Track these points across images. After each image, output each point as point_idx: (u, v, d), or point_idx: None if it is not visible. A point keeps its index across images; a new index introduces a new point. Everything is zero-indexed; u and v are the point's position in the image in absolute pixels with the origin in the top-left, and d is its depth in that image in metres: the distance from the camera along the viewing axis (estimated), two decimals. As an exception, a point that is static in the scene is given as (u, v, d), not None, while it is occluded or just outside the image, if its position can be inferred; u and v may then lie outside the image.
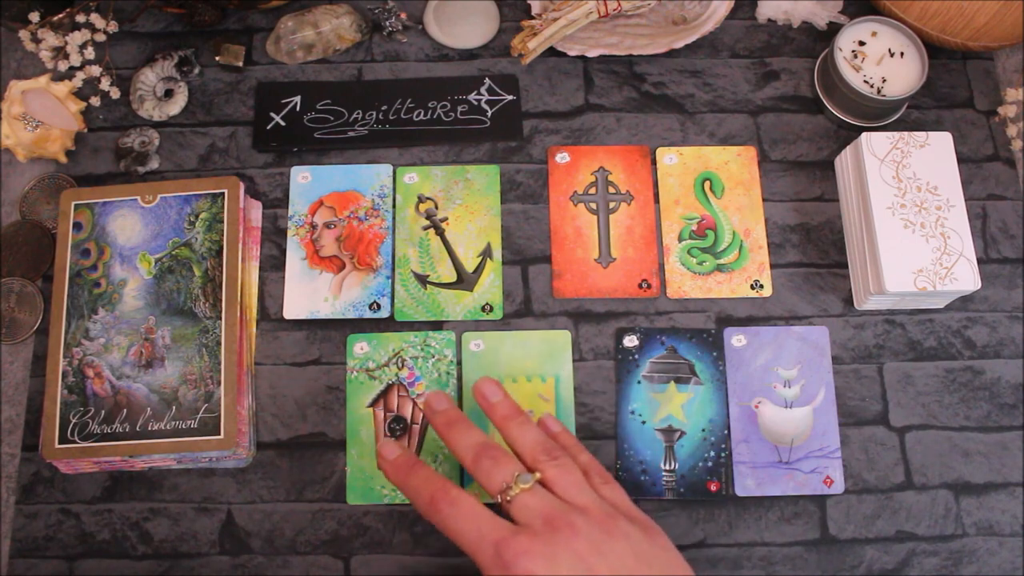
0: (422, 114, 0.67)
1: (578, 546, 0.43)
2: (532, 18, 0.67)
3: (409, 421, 0.60)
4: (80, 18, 0.68)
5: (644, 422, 0.60)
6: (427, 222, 0.65)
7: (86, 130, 0.67)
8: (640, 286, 0.63)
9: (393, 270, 0.63)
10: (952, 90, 0.69)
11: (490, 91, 0.68)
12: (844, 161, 0.65)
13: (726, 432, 0.60)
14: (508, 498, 0.45)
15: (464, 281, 0.63)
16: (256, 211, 0.65)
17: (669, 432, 0.60)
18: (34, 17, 0.67)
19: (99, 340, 0.59)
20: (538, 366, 0.61)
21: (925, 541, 0.59)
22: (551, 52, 0.68)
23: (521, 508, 0.45)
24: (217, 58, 0.69)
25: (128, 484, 0.59)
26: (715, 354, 0.62)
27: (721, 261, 0.64)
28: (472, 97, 0.68)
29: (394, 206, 0.65)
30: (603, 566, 0.43)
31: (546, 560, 0.42)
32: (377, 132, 0.67)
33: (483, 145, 0.67)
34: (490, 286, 0.63)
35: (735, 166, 0.66)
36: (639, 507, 0.49)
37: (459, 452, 0.48)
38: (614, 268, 0.64)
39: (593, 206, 0.65)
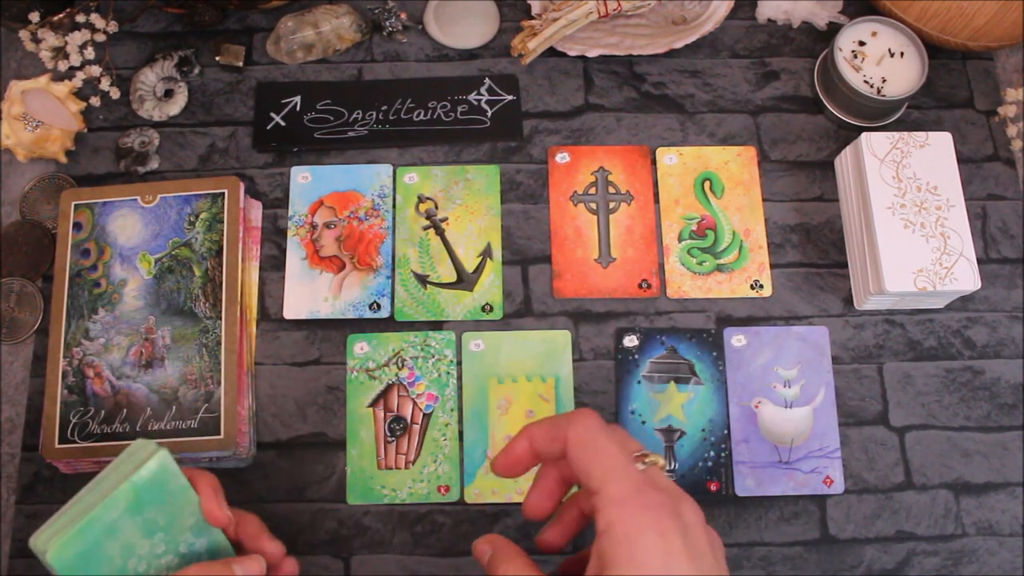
0: (422, 114, 0.67)
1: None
2: (532, 18, 0.67)
3: (409, 421, 0.60)
4: (80, 18, 0.68)
5: (644, 422, 0.60)
6: (427, 222, 0.65)
7: (86, 130, 0.67)
8: (640, 286, 0.63)
9: (393, 270, 0.63)
10: (952, 90, 0.69)
11: (490, 91, 0.68)
12: (844, 161, 0.65)
13: (726, 432, 0.60)
14: (646, 463, 0.40)
15: (464, 281, 0.63)
16: (256, 211, 0.65)
17: (669, 432, 0.60)
18: (34, 17, 0.67)
19: (99, 340, 0.59)
20: (538, 366, 0.61)
21: (925, 541, 0.59)
22: (551, 52, 0.68)
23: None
24: (217, 58, 0.69)
25: (128, 484, 0.59)
26: (715, 354, 0.62)
27: (721, 261, 0.64)
28: (472, 97, 0.68)
29: (394, 206, 0.65)
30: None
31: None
32: (377, 132, 0.67)
33: (483, 145, 0.67)
34: (490, 286, 0.63)
35: (735, 166, 0.66)
36: None
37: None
38: (614, 268, 0.64)
39: (593, 206, 0.65)
